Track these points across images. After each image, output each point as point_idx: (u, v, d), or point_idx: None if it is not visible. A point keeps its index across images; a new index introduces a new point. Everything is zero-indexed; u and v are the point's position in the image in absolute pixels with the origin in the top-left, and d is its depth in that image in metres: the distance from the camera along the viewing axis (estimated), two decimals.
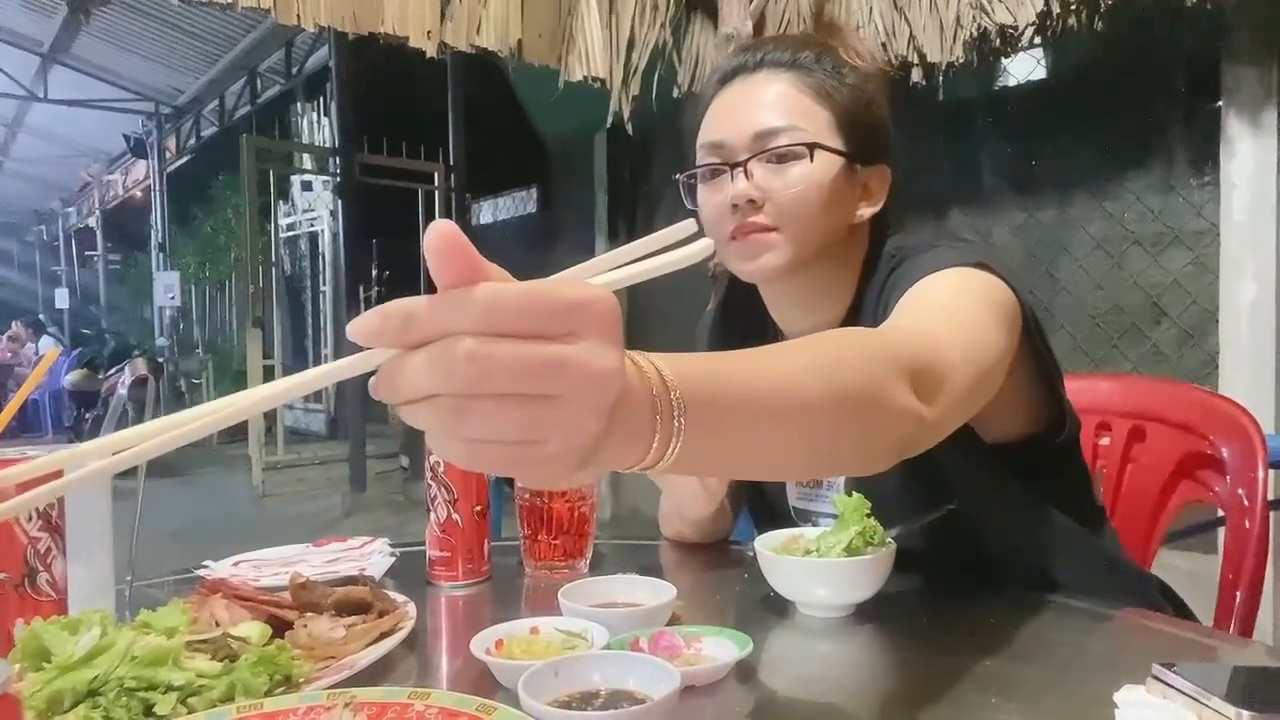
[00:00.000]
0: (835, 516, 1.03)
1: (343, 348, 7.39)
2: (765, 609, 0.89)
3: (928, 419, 0.67)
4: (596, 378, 0.40)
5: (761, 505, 1.16)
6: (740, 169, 0.96)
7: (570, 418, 0.41)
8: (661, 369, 0.47)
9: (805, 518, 1.09)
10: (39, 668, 0.62)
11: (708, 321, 1.20)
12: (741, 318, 1.12)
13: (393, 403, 0.41)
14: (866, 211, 1.01)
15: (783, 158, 0.96)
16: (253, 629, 0.73)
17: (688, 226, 0.46)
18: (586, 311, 0.40)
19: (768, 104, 0.97)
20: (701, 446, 0.49)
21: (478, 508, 1.01)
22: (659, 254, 0.45)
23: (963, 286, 0.85)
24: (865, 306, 0.99)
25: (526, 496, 1.04)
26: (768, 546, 0.90)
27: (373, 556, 1.06)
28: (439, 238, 0.39)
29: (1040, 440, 0.98)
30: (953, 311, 0.82)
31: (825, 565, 0.85)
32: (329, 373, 0.41)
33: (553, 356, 0.39)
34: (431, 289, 0.43)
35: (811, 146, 0.95)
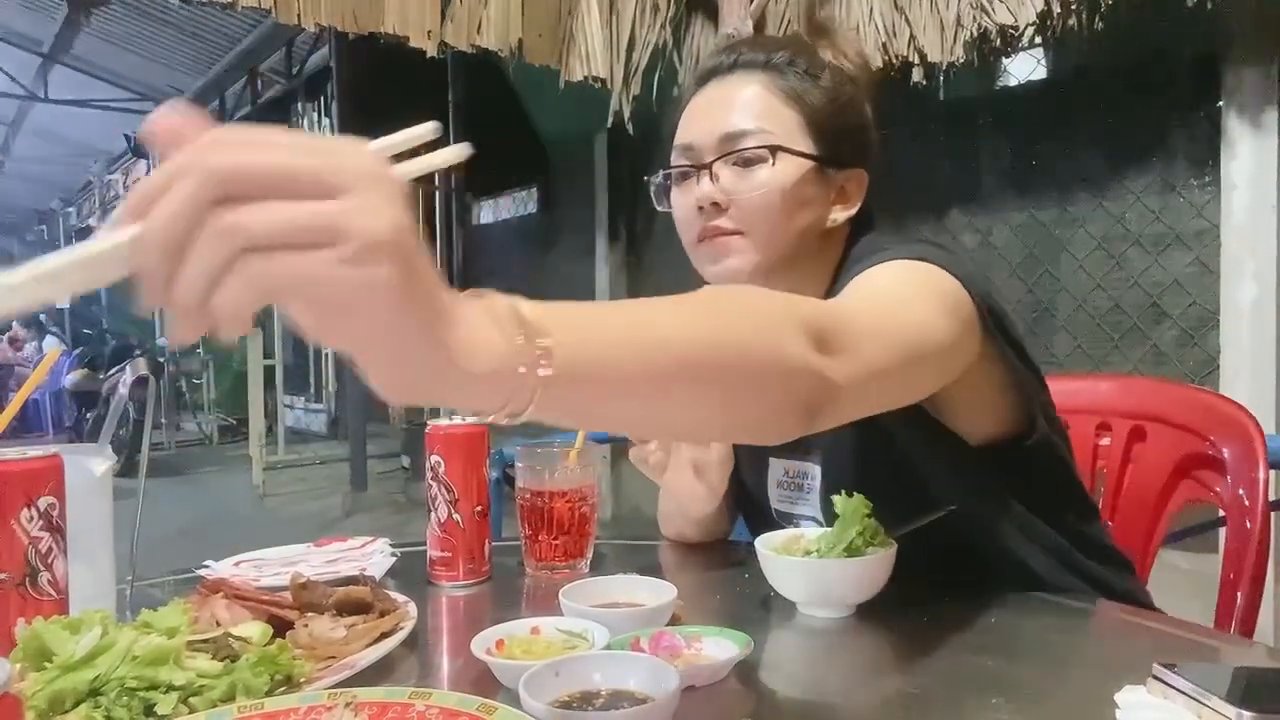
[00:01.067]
0: (815, 520, 1.03)
1: None
2: (765, 609, 0.89)
3: (833, 378, 0.63)
4: (370, 216, 0.39)
5: (750, 508, 1.17)
6: (706, 171, 0.97)
7: (352, 257, 0.38)
8: (520, 306, 0.47)
9: (786, 520, 1.09)
10: (40, 667, 0.62)
11: None
12: None
13: (166, 301, 0.38)
14: (841, 215, 1.00)
15: (748, 161, 0.96)
16: (254, 629, 0.73)
17: (433, 129, 0.47)
18: (346, 167, 0.39)
19: (737, 106, 0.97)
20: (573, 392, 0.49)
21: (478, 508, 1.01)
22: (413, 157, 0.46)
23: (900, 274, 0.84)
24: None
25: (528, 497, 1.04)
26: (768, 546, 0.90)
27: (373, 556, 1.06)
28: (159, 124, 0.38)
29: (1017, 440, 0.98)
30: (882, 293, 0.80)
31: (825, 565, 0.85)
32: (79, 259, 0.39)
33: (316, 211, 0.38)
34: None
35: (775, 149, 0.95)
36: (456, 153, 0.47)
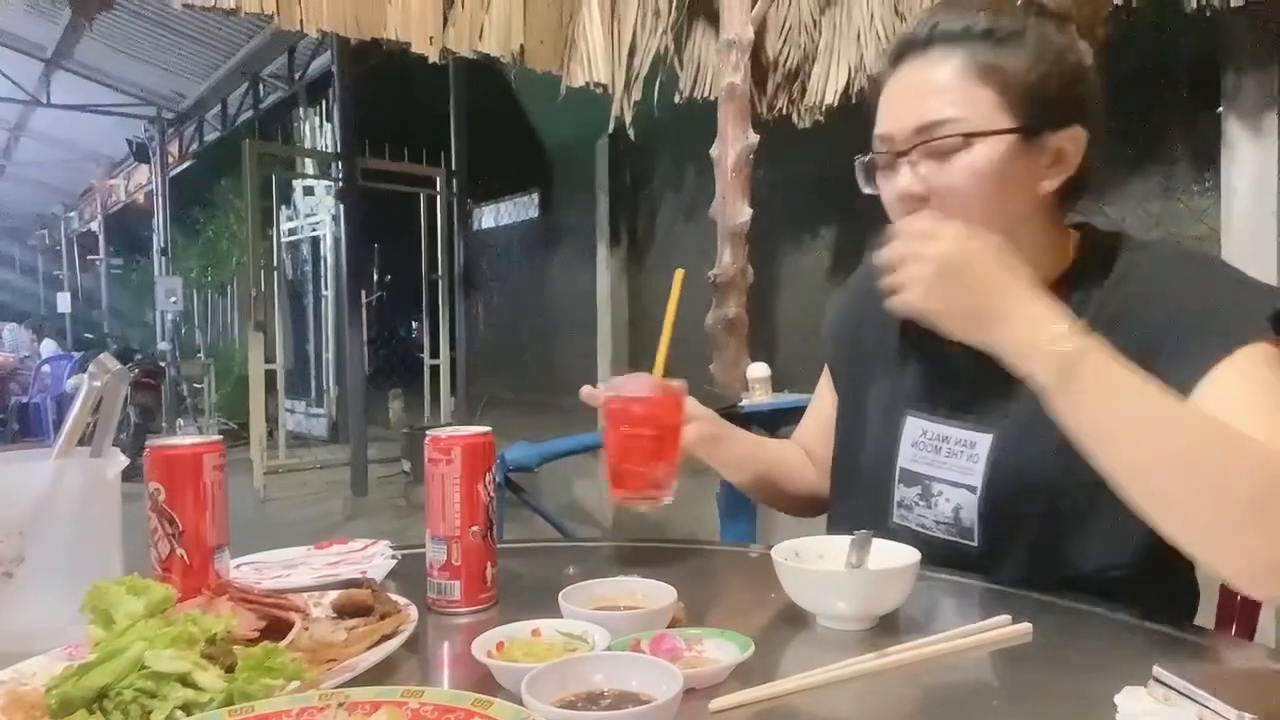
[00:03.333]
0: (960, 485, 0.99)
1: (345, 351, 7.39)
2: (766, 611, 0.89)
3: None
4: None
5: (848, 467, 1.14)
6: (904, 161, 0.95)
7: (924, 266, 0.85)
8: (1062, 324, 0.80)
9: (915, 481, 1.04)
10: (108, 625, 0.65)
11: (850, 291, 1.23)
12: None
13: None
14: (1052, 182, 0.95)
15: (944, 151, 0.93)
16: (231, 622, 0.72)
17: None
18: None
19: (931, 92, 0.94)
20: (1084, 396, 0.79)
21: (474, 529, 0.91)
22: None
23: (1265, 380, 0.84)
24: (1074, 302, 0.92)
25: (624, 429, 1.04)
26: (785, 556, 0.87)
27: (374, 559, 1.05)
28: None
29: None
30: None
31: (848, 577, 0.83)
32: None
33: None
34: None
35: (970, 135, 0.91)
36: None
